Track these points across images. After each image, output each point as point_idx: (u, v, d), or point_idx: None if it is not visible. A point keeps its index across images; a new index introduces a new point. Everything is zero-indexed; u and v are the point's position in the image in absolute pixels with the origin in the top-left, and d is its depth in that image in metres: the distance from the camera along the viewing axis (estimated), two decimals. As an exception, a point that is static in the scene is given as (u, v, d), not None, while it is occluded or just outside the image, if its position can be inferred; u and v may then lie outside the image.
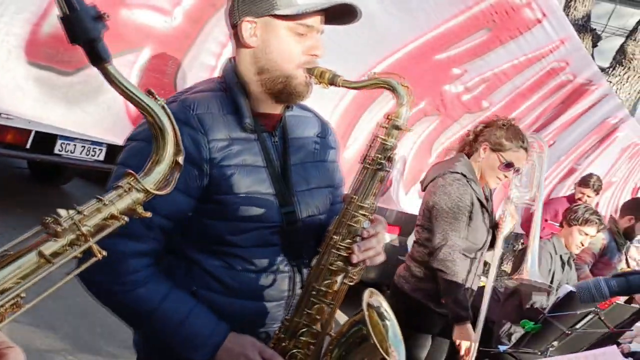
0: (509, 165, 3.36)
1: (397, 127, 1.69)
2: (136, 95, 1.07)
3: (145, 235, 1.64)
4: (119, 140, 2.28)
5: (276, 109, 1.82)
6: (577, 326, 3.44)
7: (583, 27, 11.15)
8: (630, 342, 3.68)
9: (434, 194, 3.36)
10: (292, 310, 1.77)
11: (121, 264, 1.62)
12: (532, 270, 3.76)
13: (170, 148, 1.12)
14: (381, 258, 1.75)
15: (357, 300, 1.67)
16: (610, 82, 10.60)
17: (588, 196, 6.14)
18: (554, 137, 5.77)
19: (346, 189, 1.97)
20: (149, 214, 1.13)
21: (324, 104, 3.28)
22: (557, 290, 4.20)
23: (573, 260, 4.69)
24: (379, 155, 1.68)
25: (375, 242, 1.71)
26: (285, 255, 1.80)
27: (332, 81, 1.69)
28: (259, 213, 1.72)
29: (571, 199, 6.35)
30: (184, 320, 1.66)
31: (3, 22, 1.94)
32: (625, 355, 2.82)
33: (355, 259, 1.67)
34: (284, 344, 1.72)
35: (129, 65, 2.23)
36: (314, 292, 1.71)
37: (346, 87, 1.73)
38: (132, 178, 1.09)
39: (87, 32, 0.99)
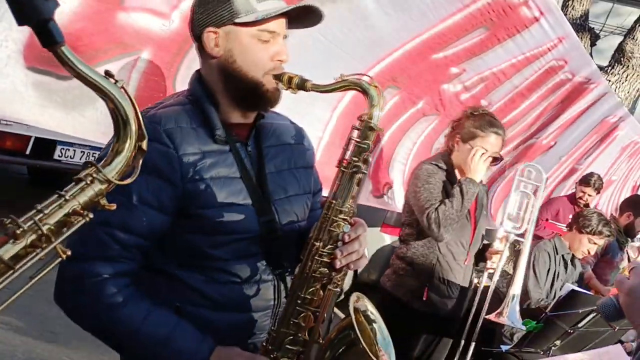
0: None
1: (371, 129, 1.66)
2: (93, 78, 0.99)
3: (122, 255, 1.62)
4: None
5: (248, 118, 1.80)
6: (579, 325, 3.43)
7: (581, 26, 11.17)
8: (633, 341, 3.67)
9: (411, 181, 3.35)
10: (278, 320, 1.74)
11: (101, 286, 1.60)
12: (511, 311, 3.59)
13: (132, 134, 1.05)
14: (365, 261, 1.72)
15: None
16: (609, 80, 10.62)
17: (589, 195, 6.15)
18: (555, 138, 5.77)
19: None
20: (113, 206, 1.07)
21: (323, 106, 3.28)
22: (560, 289, 4.20)
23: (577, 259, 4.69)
24: (355, 158, 1.66)
25: (357, 245, 1.68)
26: (267, 264, 1.78)
27: (301, 86, 1.66)
28: (237, 224, 1.70)
29: (572, 198, 6.35)
30: (168, 339, 1.64)
31: (2, 27, 1.93)
32: (629, 353, 2.80)
33: (338, 264, 1.65)
34: (272, 355, 1.70)
35: (128, 69, 2.22)
36: (299, 301, 1.68)
37: (316, 90, 1.69)
38: (93, 168, 1.03)
39: (38, 12, 0.90)
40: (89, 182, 1.01)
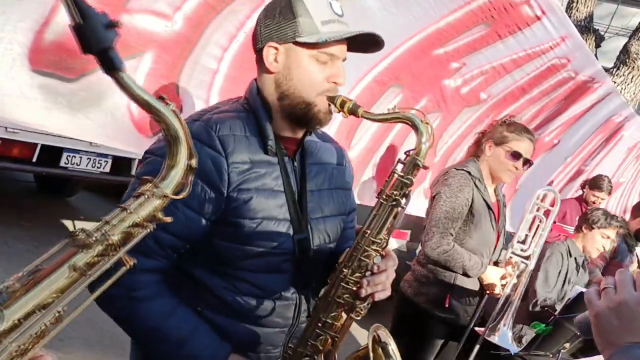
0: (515, 155, 3.32)
1: (416, 165, 1.68)
2: (149, 102, 1.07)
3: (157, 253, 1.65)
4: (124, 146, 2.29)
5: (297, 134, 1.83)
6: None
7: (586, 27, 11.16)
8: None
9: (437, 187, 3.37)
10: (297, 339, 1.76)
11: (131, 279, 1.60)
12: (503, 332, 3.55)
13: (183, 152, 1.13)
14: (387, 294, 1.73)
15: (374, 312, 1.66)
16: (615, 82, 10.58)
17: (602, 199, 6.10)
18: (557, 136, 5.75)
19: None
20: (169, 219, 1.14)
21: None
22: (570, 291, 4.18)
23: (587, 263, 4.66)
24: (395, 192, 1.67)
25: (385, 277, 1.70)
26: (294, 282, 1.79)
27: (353, 111, 1.69)
28: (272, 238, 1.71)
29: (580, 200, 6.31)
30: (187, 339, 1.66)
31: (6, 30, 1.95)
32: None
33: (363, 292, 1.67)
34: None
35: (132, 71, 2.24)
36: (319, 324, 1.70)
37: (367, 118, 1.73)
38: (151, 184, 1.11)
39: (99, 42, 0.98)
40: (147, 196, 1.10)
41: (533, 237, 3.79)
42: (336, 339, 1.71)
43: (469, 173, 3.34)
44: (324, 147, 1.94)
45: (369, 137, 3.77)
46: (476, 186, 3.33)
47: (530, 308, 4.17)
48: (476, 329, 3.53)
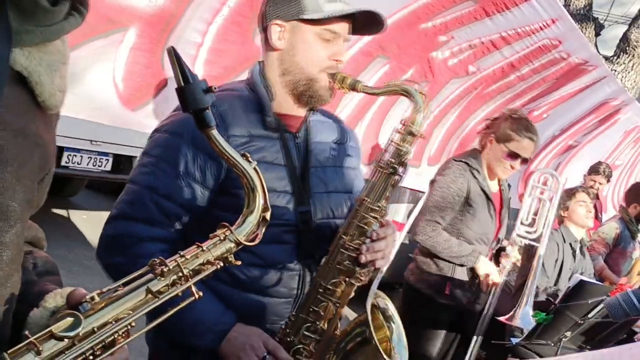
0: (512, 155, 3.40)
1: (412, 134, 1.72)
2: (234, 158, 1.20)
3: (162, 222, 1.71)
4: (109, 121, 2.32)
5: (300, 112, 1.87)
6: (589, 315, 3.39)
7: (585, 16, 11.14)
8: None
9: (435, 177, 3.48)
10: (299, 306, 1.79)
11: (139, 247, 1.68)
12: (523, 314, 3.57)
13: (259, 204, 1.24)
14: (387, 261, 1.77)
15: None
16: (615, 70, 10.55)
17: (600, 183, 6.07)
18: (547, 111, 5.71)
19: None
20: (239, 263, 1.22)
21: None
22: (569, 279, 4.16)
23: (586, 248, 4.64)
24: (393, 160, 1.71)
25: (384, 244, 1.73)
26: (297, 254, 1.81)
27: (353, 87, 1.77)
28: (274, 210, 1.73)
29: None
30: (191, 306, 1.68)
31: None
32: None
33: (363, 259, 1.69)
34: (289, 339, 1.74)
35: (116, 45, 2.27)
36: (320, 290, 1.73)
37: (365, 92, 1.80)
38: (227, 230, 1.22)
39: (197, 103, 1.12)
40: (222, 238, 1.21)
41: (539, 219, 3.76)
42: (337, 305, 1.73)
43: (467, 164, 3.43)
44: (331, 126, 1.98)
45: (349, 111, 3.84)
46: (474, 177, 3.41)
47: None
48: (498, 318, 3.56)
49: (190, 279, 1.14)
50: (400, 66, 3.85)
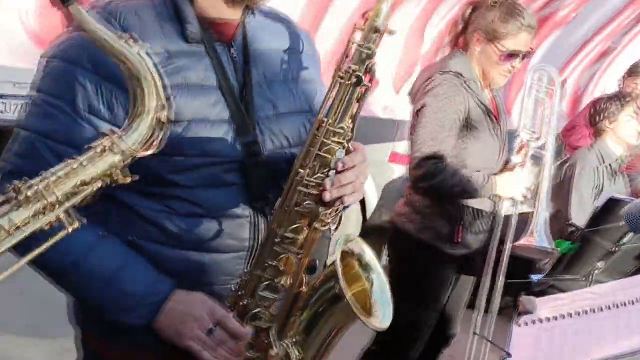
0: (511, 56, 2.83)
1: (377, 30, 1.39)
2: (107, 41, 1.04)
3: None
4: (19, 62, 1.96)
5: (233, 15, 1.52)
6: (624, 240, 2.97)
7: None
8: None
9: (420, 99, 2.87)
10: (252, 261, 1.50)
11: None
12: (539, 233, 3.07)
13: (152, 101, 1.06)
14: (359, 196, 1.49)
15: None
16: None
17: None
18: (575, 9, 5.14)
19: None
20: (128, 180, 1.09)
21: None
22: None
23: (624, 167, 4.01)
24: (355, 67, 1.39)
25: (353, 175, 1.44)
26: (244, 196, 1.52)
27: None
28: (208, 145, 1.46)
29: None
30: (114, 276, 1.44)
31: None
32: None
33: (327, 196, 1.40)
34: (242, 302, 1.48)
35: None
36: (277, 240, 1.45)
37: None
38: (112, 136, 1.06)
39: None
40: (104, 149, 1.05)
41: (542, 123, 3.21)
42: (300, 256, 1.46)
43: (460, 75, 2.83)
44: (276, 28, 1.63)
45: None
46: (470, 88, 2.84)
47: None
48: (515, 243, 3.08)
49: (59, 207, 1.00)
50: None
